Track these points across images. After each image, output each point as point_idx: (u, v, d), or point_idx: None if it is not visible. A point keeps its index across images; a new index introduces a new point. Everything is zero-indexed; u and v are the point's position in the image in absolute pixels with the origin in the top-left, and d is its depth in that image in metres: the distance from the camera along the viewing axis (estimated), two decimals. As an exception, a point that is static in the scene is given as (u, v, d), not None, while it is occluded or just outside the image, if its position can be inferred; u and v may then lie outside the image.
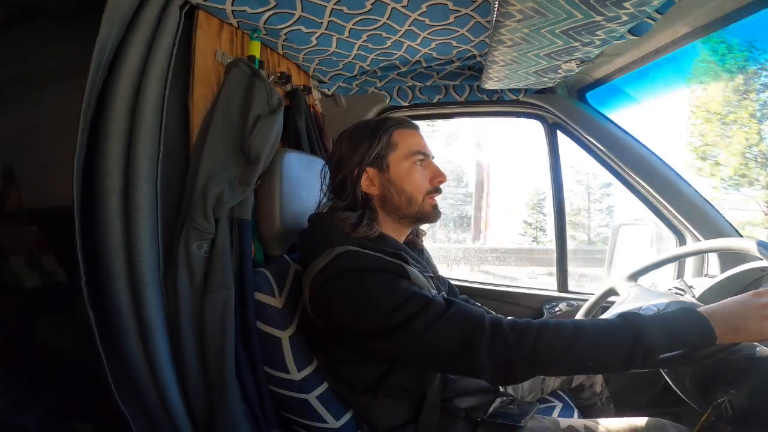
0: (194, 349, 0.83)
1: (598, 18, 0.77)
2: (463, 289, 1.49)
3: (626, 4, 0.72)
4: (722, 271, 1.03)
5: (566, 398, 1.09)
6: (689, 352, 0.65)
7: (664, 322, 0.66)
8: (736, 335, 0.63)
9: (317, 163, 1.08)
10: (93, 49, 0.74)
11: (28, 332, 1.06)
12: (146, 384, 0.80)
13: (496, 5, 0.74)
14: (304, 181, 1.01)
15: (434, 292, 0.84)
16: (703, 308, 0.67)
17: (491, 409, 0.86)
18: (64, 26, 0.90)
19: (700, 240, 1.18)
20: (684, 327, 0.65)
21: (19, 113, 0.92)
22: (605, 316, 0.92)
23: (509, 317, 0.73)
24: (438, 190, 0.89)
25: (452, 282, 1.11)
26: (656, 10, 0.78)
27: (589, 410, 1.14)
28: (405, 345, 0.69)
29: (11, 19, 0.89)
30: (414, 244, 0.98)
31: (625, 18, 0.77)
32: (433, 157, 0.91)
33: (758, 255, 0.79)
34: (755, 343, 0.73)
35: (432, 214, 0.89)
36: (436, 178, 0.88)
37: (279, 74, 1.12)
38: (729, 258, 1.14)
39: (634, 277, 1.05)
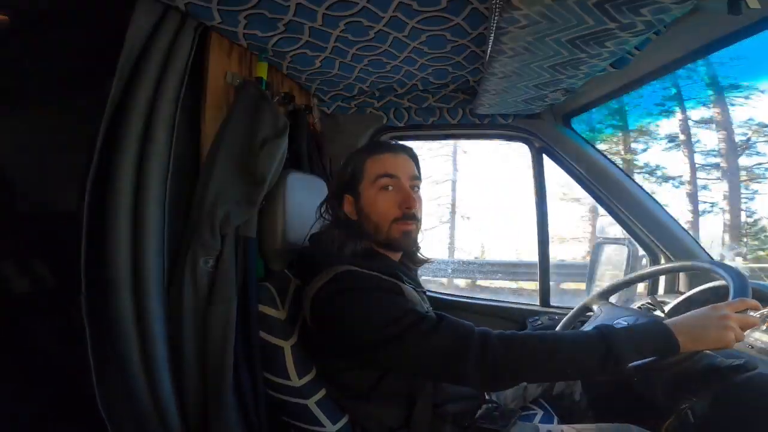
0: (194, 359, 0.85)
1: (582, 55, 0.85)
2: (447, 303, 1.53)
3: (607, 44, 0.79)
4: (691, 288, 1.11)
5: (547, 406, 1.14)
6: (656, 360, 0.71)
7: (632, 332, 0.72)
8: (698, 344, 0.69)
9: (318, 183, 1.13)
10: (113, 64, 0.76)
11: (21, 338, 1.06)
12: (141, 391, 0.81)
13: (491, 42, 0.81)
14: (306, 201, 1.04)
15: (426, 306, 0.89)
16: (668, 320, 0.73)
17: (477, 415, 0.91)
18: (83, 38, 0.92)
19: (671, 259, 1.27)
20: (650, 337, 0.71)
21: (34, 124, 0.94)
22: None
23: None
24: (407, 217, 0.86)
25: (438, 296, 1.14)
26: (635, 47, 0.86)
27: (568, 418, 1.19)
28: (399, 356, 0.74)
29: (30, 28, 0.90)
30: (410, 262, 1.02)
31: (606, 55, 0.85)
32: (417, 179, 0.90)
33: (713, 276, 0.85)
34: (715, 354, 0.80)
35: (400, 241, 0.87)
36: (404, 203, 0.86)
37: (283, 94, 1.15)
38: (697, 276, 1.22)
39: (604, 295, 1.12)
